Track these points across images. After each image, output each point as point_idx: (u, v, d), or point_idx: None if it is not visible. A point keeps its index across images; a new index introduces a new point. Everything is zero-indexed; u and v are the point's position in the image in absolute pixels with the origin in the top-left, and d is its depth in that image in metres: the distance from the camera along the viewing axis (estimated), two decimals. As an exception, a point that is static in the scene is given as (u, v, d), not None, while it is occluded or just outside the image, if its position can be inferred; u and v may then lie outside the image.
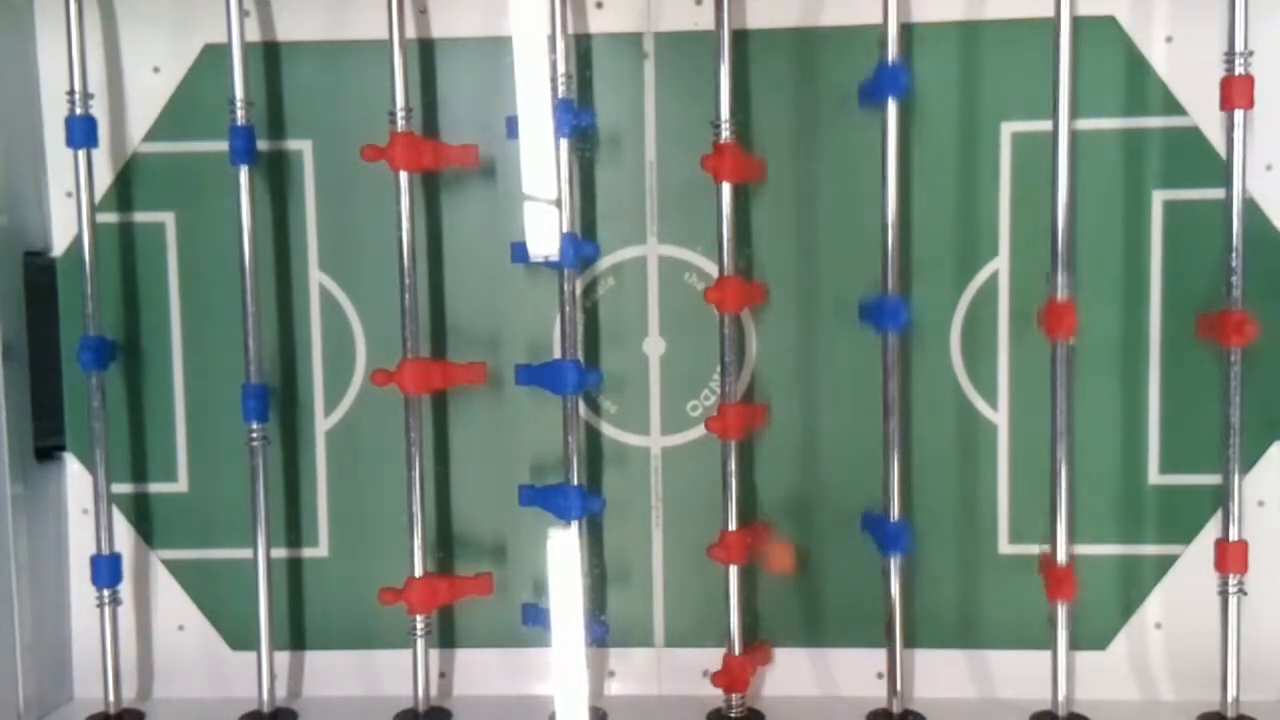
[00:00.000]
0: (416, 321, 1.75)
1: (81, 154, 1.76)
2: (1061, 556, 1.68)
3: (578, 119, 1.73)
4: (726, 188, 1.69)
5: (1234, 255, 1.65)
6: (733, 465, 1.73)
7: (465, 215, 1.83)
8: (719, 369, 1.74)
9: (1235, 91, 1.63)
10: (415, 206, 1.75)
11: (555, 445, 1.77)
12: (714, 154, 1.69)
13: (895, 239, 1.67)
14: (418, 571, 1.76)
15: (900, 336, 1.69)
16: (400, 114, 1.71)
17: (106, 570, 1.80)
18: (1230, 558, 1.67)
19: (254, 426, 1.77)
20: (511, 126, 1.73)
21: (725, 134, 1.69)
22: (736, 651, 1.74)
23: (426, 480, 1.80)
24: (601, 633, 1.82)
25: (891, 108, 1.65)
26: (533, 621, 1.78)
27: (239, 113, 1.74)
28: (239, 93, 1.74)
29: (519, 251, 1.73)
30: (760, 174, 1.74)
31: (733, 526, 1.73)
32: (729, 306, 1.70)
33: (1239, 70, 1.63)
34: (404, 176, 1.72)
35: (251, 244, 1.76)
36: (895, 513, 1.70)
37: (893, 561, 1.70)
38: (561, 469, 1.76)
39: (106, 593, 1.80)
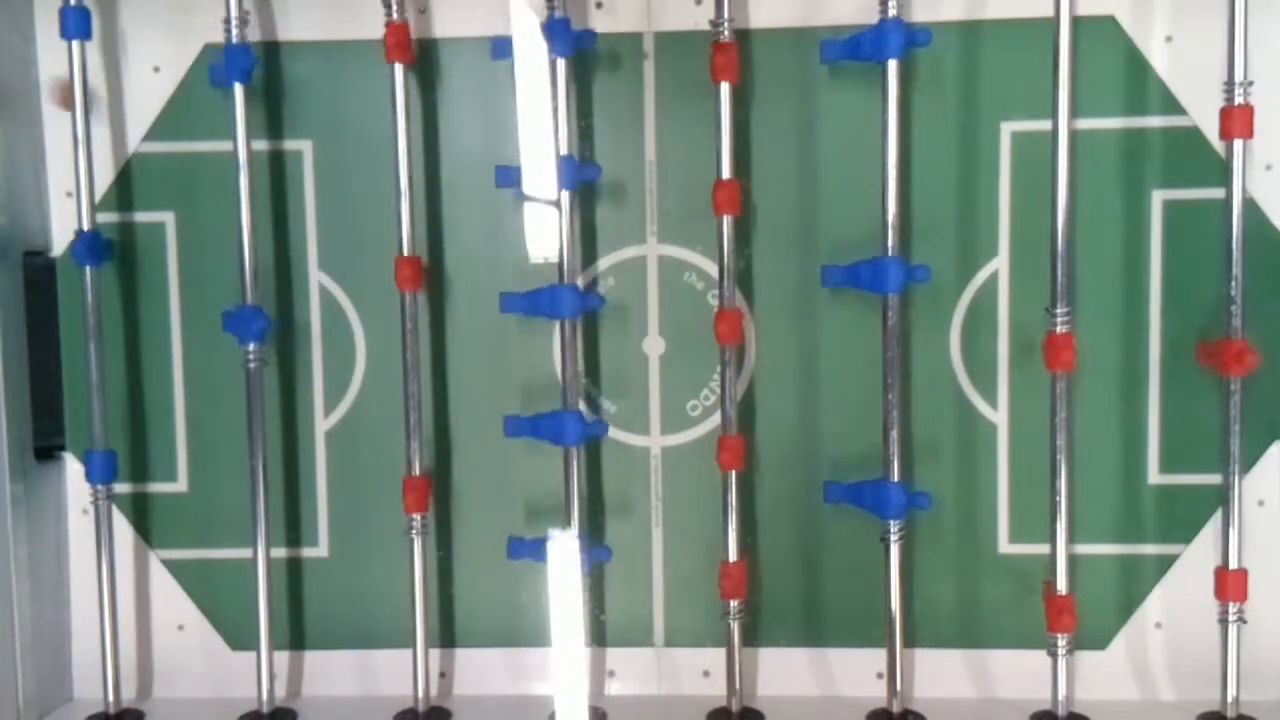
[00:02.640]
0: (416, 316, 1.76)
1: (81, 154, 1.75)
2: (1061, 558, 1.69)
3: (581, 172, 1.75)
4: (727, 186, 1.70)
5: (1234, 255, 1.65)
6: (733, 496, 1.73)
7: (465, 214, 1.83)
8: (719, 369, 1.74)
9: (1235, 122, 1.63)
10: (415, 197, 1.75)
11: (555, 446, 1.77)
12: (715, 188, 1.70)
13: (896, 206, 1.66)
14: (415, 470, 1.76)
15: (899, 303, 1.68)
16: (406, 240, 1.73)
17: (101, 466, 1.78)
18: (1230, 586, 1.67)
19: (250, 348, 1.76)
20: (498, 48, 1.73)
21: (725, 133, 1.69)
22: (736, 656, 1.74)
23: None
24: (603, 554, 1.81)
25: (892, 68, 1.65)
26: (518, 554, 1.77)
27: (233, 31, 1.72)
28: (234, 10, 1.72)
29: (502, 175, 1.75)
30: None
31: (733, 558, 1.73)
32: (728, 339, 1.71)
33: (1238, 100, 1.63)
34: (398, 69, 1.72)
35: (251, 244, 1.76)
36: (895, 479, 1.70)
37: (892, 532, 1.69)
38: (561, 469, 1.76)
39: (101, 489, 1.79)
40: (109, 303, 1.83)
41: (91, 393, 1.79)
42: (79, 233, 1.77)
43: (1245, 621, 1.67)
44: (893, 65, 1.65)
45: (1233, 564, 1.67)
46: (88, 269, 1.78)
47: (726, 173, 1.70)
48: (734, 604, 1.74)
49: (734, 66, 1.68)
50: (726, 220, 1.70)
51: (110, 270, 1.84)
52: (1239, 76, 1.63)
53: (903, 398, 1.72)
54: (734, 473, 1.73)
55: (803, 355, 1.80)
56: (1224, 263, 1.66)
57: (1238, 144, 1.64)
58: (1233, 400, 1.66)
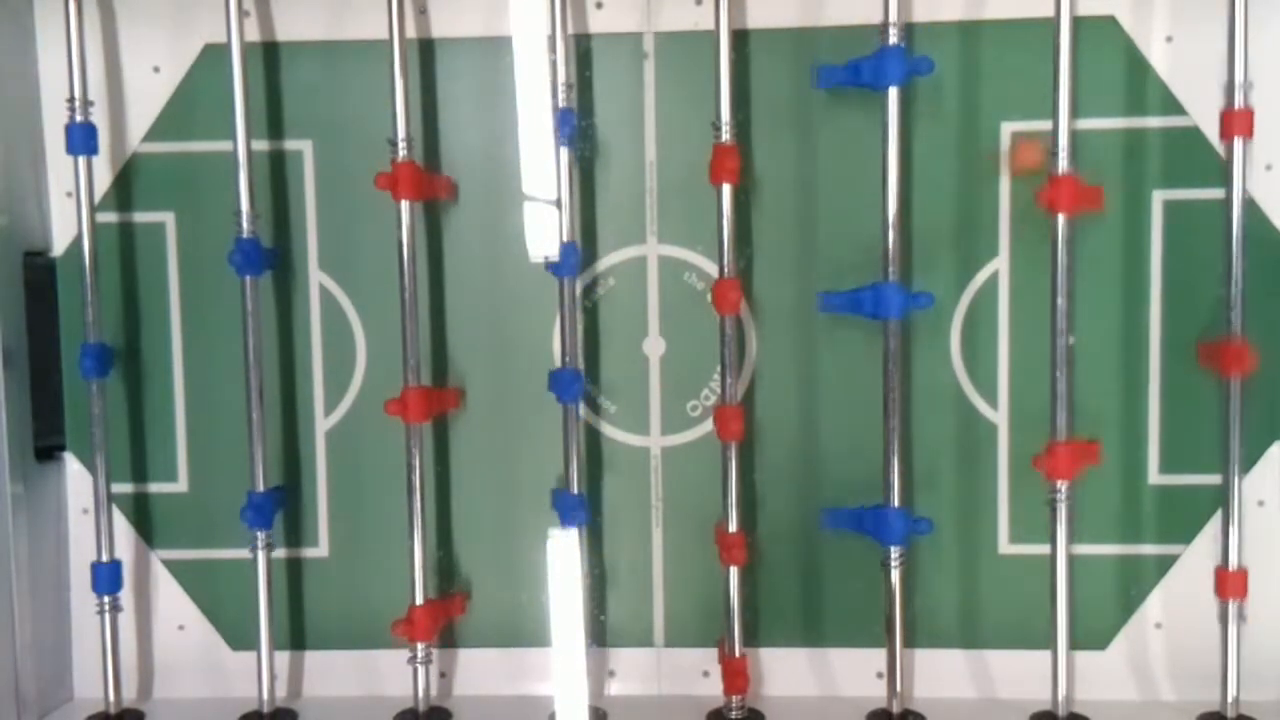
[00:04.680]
0: (417, 327, 1.75)
1: (82, 158, 1.76)
2: (1061, 558, 1.69)
3: (576, 126, 1.74)
4: (726, 188, 1.69)
5: (1234, 255, 1.65)
6: (733, 466, 1.73)
7: (465, 214, 1.83)
8: (719, 369, 1.74)
9: (1235, 123, 1.63)
10: (415, 209, 1.75)
11: (555, 443, 1.77)
12: (713, 158, 1.69)
13: (896, 230, 1.67)
14: (419, 599, 1.76)
15: (900, 326, 1.69)
16: (402, 145, 1.71)
17: (107, 578, 1.80)
18: (1230, 585, 1.67)
19: (258, 534, 1.78)
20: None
21: (725, 134, 1.69)
22: (736, 653, 1.74)
23: (427, 480, 1.80)
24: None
25: (892, 95, 1.65)
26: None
27: (244, 225, 1.74)
28: (245, 205, 1.73)
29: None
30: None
31: (733, 528, 1.73)
32: (728, 309, 1.70)
33: (1239, 103, 1.63)
34: (404, 203, 1.72)
35: (251, 245, 1.76)
36: (895, 504, 1.70)
37: (893, 557, 1.70)
38: (562, 469, 1.77)
39: (107, 599, 1.80)
40: (109, 303, 1.83)
41: (92, 393, 1.79)
42: (85, 345, 1.77)
43: (1245, 619, 1.67)
44: (893, 92, 1.65)
45: (1233, 565, 1.67)
46: (87, 274, 1.77)
47: (726, 137, 1.69)
48: (734, 570, 1.73)
49: (735, 169, 1.68)
50: (726, 189, 1.69)
51: (110, 270, 1.84)
52: (1239, 78, 1.63)
53: (903, 409, 1.71)
54: (734, 444, 1.72)
55: (803, 356, 1.80)
56: (1224, 263, 1.66)
57: (1238, 144, 1.64)
58: (1233, 400, 1.66)
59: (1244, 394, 1.66)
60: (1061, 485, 1.67)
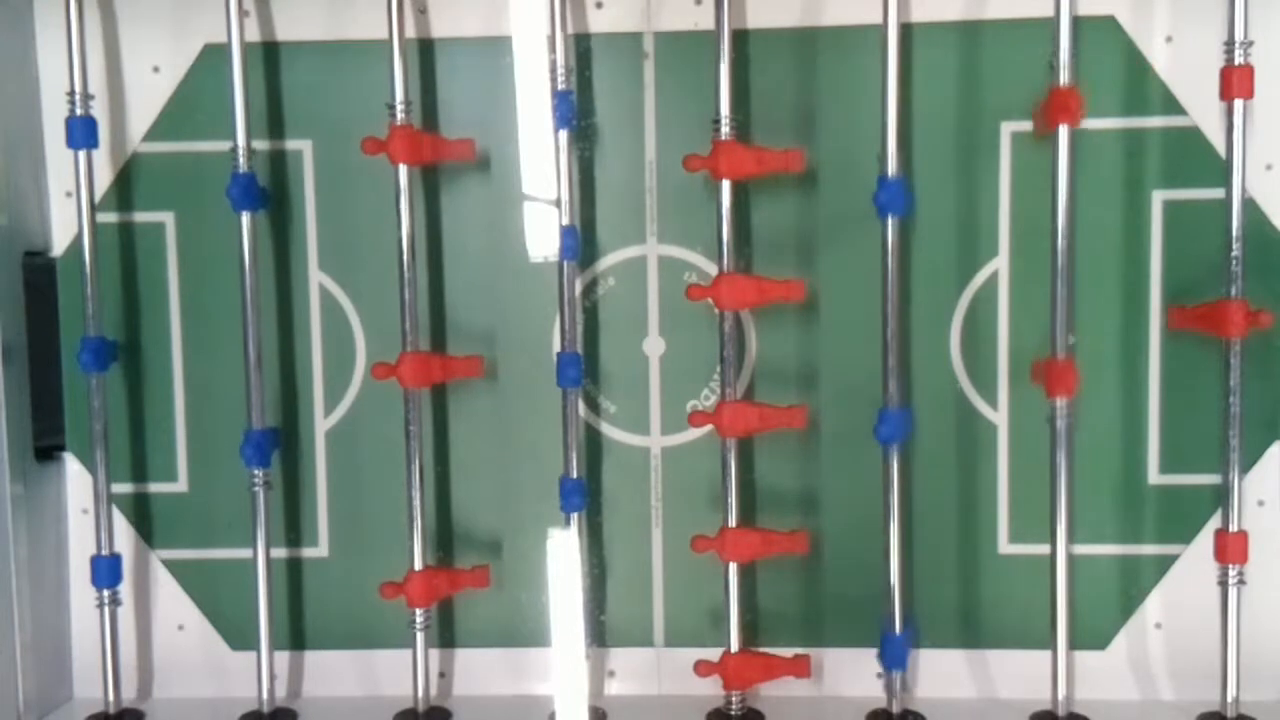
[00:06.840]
0: (416, 317, 1.75)
1: (82, 154, 1.76)
2: (1061, 558, 1.69)
3: (576, 114, 1.74)
4: (726, 186, 1.69)
5: (1234, 255, 1.65)
6: (732, 462, 1.73)
7: (465, 213, 1.83)
8: (719, 369, 1.74)
9: (1235, 81, 1.63)
10: (415, 202, 1.75)
11: (555, 444, 1.77)
12: (712, 151, 1.69)
13: (895, 256, 1.68)
14: (417, 565, 1.76)
15: (900, 325, 1.69)
16: (400, 107, 1.71)
17: (106, 571, 1.80)
18: (1230, 549, 1.67)
19: (256, 472, 1.78)
20: None
21: (725, 133, 1.69)
22: (734, 649, 1.74)
23: (426, 478, 1.80)
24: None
25: (890, 224, 1.66)
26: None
27: (240, 161, 1.74)
28: (241, 141, 1.74)
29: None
30: (766, 165, 1.72)
31: (732, 523, 1.73)
32: (726, 304, 1.70)
33: (1239, 60, 1.63)
34: (403, 169, 1.72)
35: (251, 244, 1.76)
36: (895, 524, 1.70)
37: (893, 568, 1.70)
38: (561, 467, 1.77)
39: (106, 593, 1.80)
40: (109, 303, 1.83)
41: (91, 393, 1.79)
42: (85, 339, 1.77)
43: (1245, 583, 1.67)
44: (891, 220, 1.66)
45: (1233, 527, 1.68)
46: (87, 274, 1.78)
47: (726, 137, 1.69)
48: (734, 570, 1.73)
49: (734, 167, 1.68)
50: (726, 187, 1.69)
51: (110, 270, 1.84)
52: (1239, 36, 1.62)
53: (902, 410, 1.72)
54: (734, 441, 1.72)
55: (803, 356, 1.80)
56: (1224, 263, 1.66)
57: (1237, 133, 1.64)
58: (1233, 400, 1.66)
59: (1244, 394, 1.66)
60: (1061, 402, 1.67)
